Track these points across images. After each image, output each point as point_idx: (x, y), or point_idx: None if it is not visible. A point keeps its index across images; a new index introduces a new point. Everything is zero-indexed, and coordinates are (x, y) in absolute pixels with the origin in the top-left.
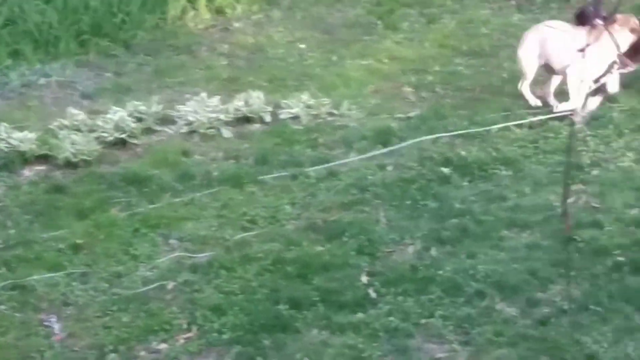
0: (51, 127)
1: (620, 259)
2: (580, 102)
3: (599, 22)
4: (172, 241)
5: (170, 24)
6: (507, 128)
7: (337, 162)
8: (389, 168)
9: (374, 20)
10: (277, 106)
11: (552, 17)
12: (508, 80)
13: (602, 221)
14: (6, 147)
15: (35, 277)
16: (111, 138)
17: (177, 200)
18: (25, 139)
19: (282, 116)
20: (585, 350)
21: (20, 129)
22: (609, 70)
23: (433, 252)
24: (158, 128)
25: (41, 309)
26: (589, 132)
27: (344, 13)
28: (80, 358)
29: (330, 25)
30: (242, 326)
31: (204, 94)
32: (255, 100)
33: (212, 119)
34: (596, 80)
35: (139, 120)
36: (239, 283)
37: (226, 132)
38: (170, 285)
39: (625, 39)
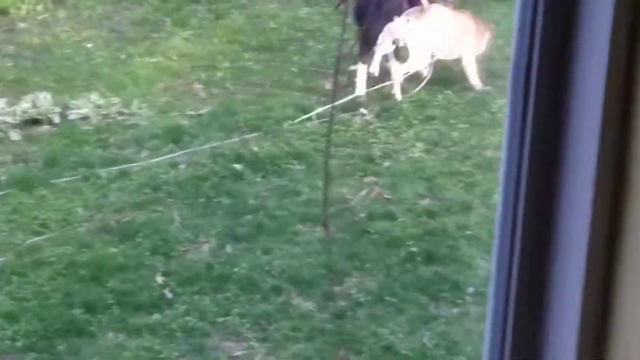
0: None
1: (413, 249)
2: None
3: None
4: None
5: None
6: (299, 122)
7: (137, 164)
8: (182, 166)
9: (162, 18)
10: (66, 107)
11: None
12: (298, 74)
13: (395, 212)
14: None
15: None
16: None
17: None
18: None
19: (71, 117)
20: (382, 342)
21: None
22: None
23: (228, 249)
24: None
25: None
26: (379, 124)
27: (131, 11)
28: None
29: (118, 24)
30: (36, 332)
31: None
32: (43, 101)
33: None
34: None
35: None
36: (31, 289)
37: (14, 135)
38: None
39: None
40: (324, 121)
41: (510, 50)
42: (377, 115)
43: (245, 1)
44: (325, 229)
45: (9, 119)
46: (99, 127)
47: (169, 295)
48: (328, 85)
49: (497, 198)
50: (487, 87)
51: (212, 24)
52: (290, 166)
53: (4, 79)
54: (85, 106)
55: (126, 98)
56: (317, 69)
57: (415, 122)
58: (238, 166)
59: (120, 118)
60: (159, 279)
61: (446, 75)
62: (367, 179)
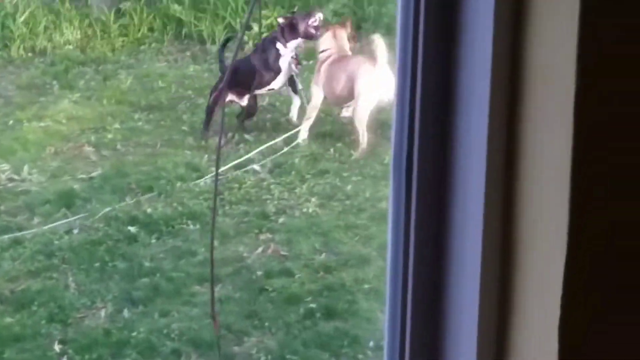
0: None
1: (312, 305)
2: None
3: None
4: None
5: None
6: (190, 182)
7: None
8: (75, 231)
9: (49, 81)
10: None
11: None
12: (189, 132)
13: (292, 269)
14: None
15: None
16: None
17: None
18: None
19: None
20: None
21: None
22: None
23: (126, 313)
24: None
25: None
26: (272, 180)
27: (16, 75)
28: None
29: (4, 89)
30: None
31: None
32: None
33: None
34: None
35: None
36: None
37: None
38: None
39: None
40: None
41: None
42: (270, 171)
43: (133, 61)
44: (214, 321)
45: None
46: None
47: None
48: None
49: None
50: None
51: (100, 86)
52: (185, 227)
53: None
54: None
55: (16, 164)
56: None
57: (308, 176)
58: (132, 229)
59: (10, 185)
60: (57, 348)
61: (335, 127)
62: (262, 236)
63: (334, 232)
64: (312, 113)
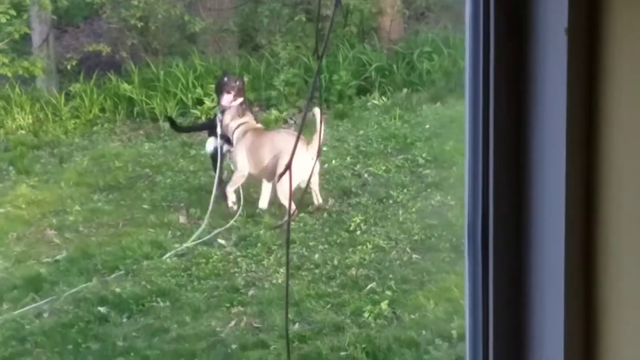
0: None
1: None
2: None
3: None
4: None
5: None
6: (157, 259)
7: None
8: (46, 315)
9: (5, 167)
10: None
11: (181, 144)
12: (150, 210)
13: (267, 340)
14: None
15: None
16: None
17: None
18: None
19: None
20: None
21: None
22: None
23: None
24: None
25: None
26: (238, 253)
27: None
28: None
29: None
30: None
31: None
32: None
33: None
34: None
35: None
36: None
37: None
38: None
39: None
40: (182, 255)
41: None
42: (236, 244)
43: (87, 142)
44: None
45: None
46: None
47: None
48: (182, 219)
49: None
50: (339, 205)
51: (57, 169)
52: (155, 304)
53: None
54: None
55: None
56: (169, 204)
57: (274, 247)
58: (102, 309)
59: None
60: None
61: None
62: (234, 310)
63: (305, 302)
64: (239, 180)
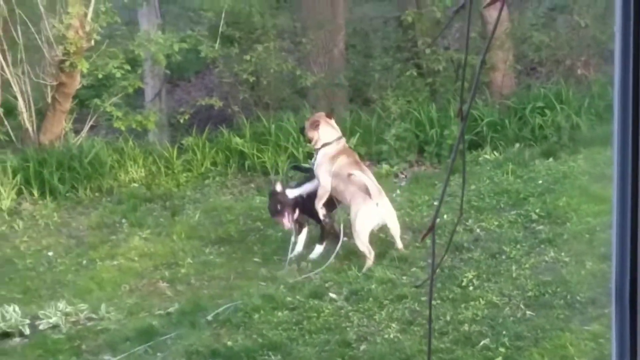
0: None
1: None
2: None
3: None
4: None
5: None
6: (269, 312)
7: None
8: None
9: (118, 220)
10: (35, 317)
11: None
12: (261, 264)
13: None
14: None
15: None
16: None
17: None
18: None
19: (41, 327)
20: None
21: None
22: None
23: None
24: None
25: None
26: (350, 307)
27: (86, 216)
28: None
29: (75, 229)
30: None
31: None
32: (11, 314)
33: None
34: None
35: None
36: None
37: None
38: None
39: None
40: (293, 308)
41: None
42: (347, 299)
43: (199, 196)
44: None
45: None
46: (70, 335)
47: None
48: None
49: None
50: (451, 260)
51: (169, 222)
52: (266, 357)
53: None
54: (54, 315)
55: (93, 303)
56: (280, 257)
57: (386, 302)
58: None
59: (90, 324)
60: None
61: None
62: None
63: (417, 357)
64: (324, 195)
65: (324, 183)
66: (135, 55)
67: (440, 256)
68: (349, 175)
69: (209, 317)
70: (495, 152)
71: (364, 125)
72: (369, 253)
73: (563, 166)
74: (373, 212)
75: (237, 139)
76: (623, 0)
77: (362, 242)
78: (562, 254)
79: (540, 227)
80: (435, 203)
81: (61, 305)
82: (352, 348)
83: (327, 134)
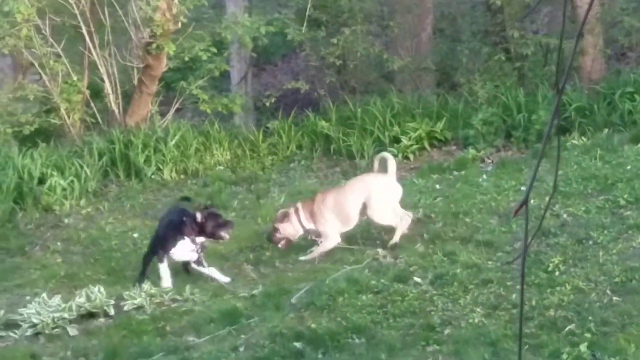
0: None
1: None
2: None
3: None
4: None
5: (0, 227)
6: (353, 296)
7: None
8: (241, 349)
9: (203, 202)
10: (120, 298)
11: None
12: (344, 248)
13: None
14: None
15: None
16: None
17: None
18: None
19: (126, 308)
20: None
21: None
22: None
23: None
24: (2, 334)
25: None
26: (434, 291)
27: (171, 198)
28: None
29: (160, 212)
30: None
31: (44, 294)
32: (96, 294)
33: (56, 319)
34: None
35: None
36: None
37: (72, 330)
38: None
39: None
40: (377, 291)
41: None
42: (432, 283)
43: (284, 179)
44: None
45: (65, 315)
46: (154, 316)
47: None
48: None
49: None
50: (537, 245)
51: (254, 204)
52: (350, 340)
53: (56, 275)
54: (139, 296)
55: (178, 285)
56: (364, 241)
57: (471, 286)
58: (298, 345)
59: (174, 305)
60: None
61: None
62: (430, 348)
63: (502, 342)
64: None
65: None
66: (221, 38)
67: (530, 237)
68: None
69: (293, 300)
70: (583, 138)
71: (451, 110)
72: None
73: None
74: (389, 187)
75: (323, 123)
76: None
77: (386, 218)
78: None
79: (628, 212)
80: (522, 188)
81: (146, 286)
82: (437, 332)
83: (287, 228)
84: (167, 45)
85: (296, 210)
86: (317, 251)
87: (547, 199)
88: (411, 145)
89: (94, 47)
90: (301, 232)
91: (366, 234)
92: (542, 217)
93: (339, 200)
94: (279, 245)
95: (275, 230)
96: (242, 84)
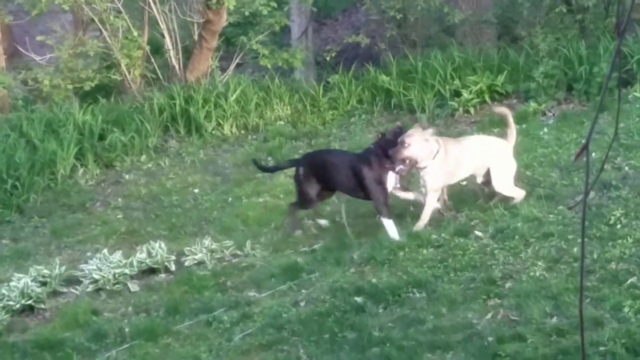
0: None
1: None
2: None
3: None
4: None
5: (61, 183)
6: (414, 250)
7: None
8: (302, 304)
9: (264, 157)
10: (181, 254)
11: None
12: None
13: (524, 333)
14: None
15: None
16: (18, 306)
17: None
18: None
19: (186, 264)
20: None
21: None
22: None
23: None
24: (64, 290)
25: None
26: (495, 245)
27: (232, 153)
28: None
29: (221, 167)
30: None
31: (105, 250)
32: (157, 250)
33: (117, 275)
34: None
35: (44, 284)
36: None
37: (133, 286)
38: None
39: None
40: (438, 246)
41: None
42: (493, 237)
43: (344, 133)
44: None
45: (126, 271)
46: (215, 272)
47: None
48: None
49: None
50: (599, 199)
51: None
52: (411, 295)
53: (117, 231)
54: (200, 252)
55: (239, 240)
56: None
57: (532, 240)
58: (359, 299)
59: (235, 260)
60: None
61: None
62: (491, 302)
63: (563, 295)
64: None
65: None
66: None
67: (590, 189)
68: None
69: (354, 255)
70: None
71: (512, 63)
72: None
73: None
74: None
75: (384, 77)
76: None
77: (509, 188)
78: None
79: None
80: (584, 141)
81: (207, 242)
82: (498, 286)
83: (423, 148)
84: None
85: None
86: (425, 213)
87: (608, 150)
88: (472, 98)
89: (154, 3)
90: (431, 158)
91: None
92: (602, 166)
93: (459, 152)
94: (397, 170)
95: (403, 146)
96: (302, 38)
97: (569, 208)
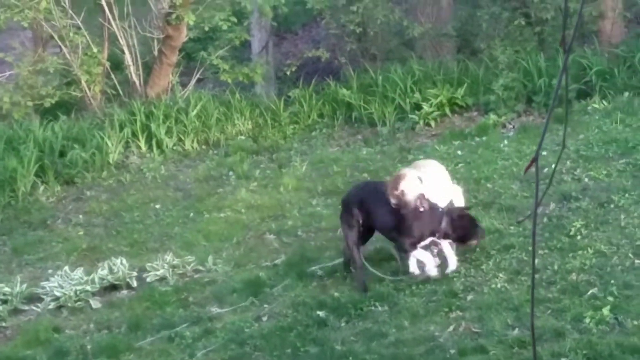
0: None
1: None
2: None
3: None
4: None
5: (22, 200)
6: (375, 263)
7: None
8: (265, 318)
9: (225, 172)
10: (142, 270)
11: (399, 149)
12: None
13: (486, 345)
14: None
15: None
16: None
17: None
18: None
19: (148, 280)
20: None
21: None
22: None
23: None
24: (25, 307)
25: None
26: (456, 257)
27: (193, 168)
28: None
29: (182, 182)
30: None
31: (66, 267)
32: (119, 267)
33: (78, 292)
34: None
35: (5, 302)
36: None
37: (95, 303)
38: None
39: None
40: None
41: None
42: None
43: (305, 147)
44: None
45: (88, 288)
46: (177, 287)
47: None
48: None
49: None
50: (559, 210)
51: (276, 174)
52: (373, 308)
53: (78, 248)
54: (162, 267)
55: (200, 255)
56: None
57: (493, 252)
58: (321, 313)
59: (197, 276)
60: None
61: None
62: (453, 314)
63: (525, 307)
64: None
65: None
66: (241, 8)
67: (540, 201)
68: None
69: (316, 269)
70: (604, 101)
71: (471, 76)
72: None
73: None
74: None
75: (344, 91)
76: None
77: None
78: None
79: None
80: (544, 153)
81: (168, 257)
82: (459, 298)
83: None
84: (187, 15)
85: None
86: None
87: (567, 162)
88: (432, 111)
89: (114, 19)
90: None
91: None
92: (551, 178)
93: None
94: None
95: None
96: (262, 53)
97: (517, 222)
